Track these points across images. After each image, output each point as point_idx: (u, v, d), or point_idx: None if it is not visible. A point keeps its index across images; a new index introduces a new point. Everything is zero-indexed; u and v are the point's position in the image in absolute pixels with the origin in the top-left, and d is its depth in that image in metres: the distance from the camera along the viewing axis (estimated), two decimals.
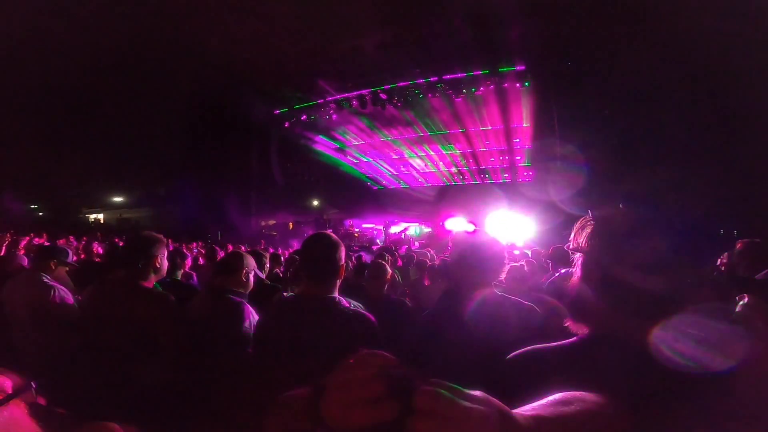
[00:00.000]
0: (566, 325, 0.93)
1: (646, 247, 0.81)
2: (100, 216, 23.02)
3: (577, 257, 0.93)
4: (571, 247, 0.94)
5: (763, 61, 7.77)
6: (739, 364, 0.71)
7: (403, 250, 9.66)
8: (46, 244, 5.05)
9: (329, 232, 1.82)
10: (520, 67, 14.45)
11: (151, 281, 2.06)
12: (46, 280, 2.77)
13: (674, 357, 0.72)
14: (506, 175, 17.99)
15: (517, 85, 14.61)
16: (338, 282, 1.67)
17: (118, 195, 22.34)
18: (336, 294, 1.66)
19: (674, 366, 0.71)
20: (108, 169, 18.25)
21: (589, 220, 0.92)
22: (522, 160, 17.25)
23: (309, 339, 1.54)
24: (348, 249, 11.86)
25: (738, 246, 3.02)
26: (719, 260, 3.36)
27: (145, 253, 2.02)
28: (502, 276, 3.26)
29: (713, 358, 0.71)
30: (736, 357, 0.72)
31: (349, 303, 1.74)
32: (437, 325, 1.74)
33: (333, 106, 17.34)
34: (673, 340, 0.74)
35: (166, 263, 2.13)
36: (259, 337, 1.77)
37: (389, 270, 3.19)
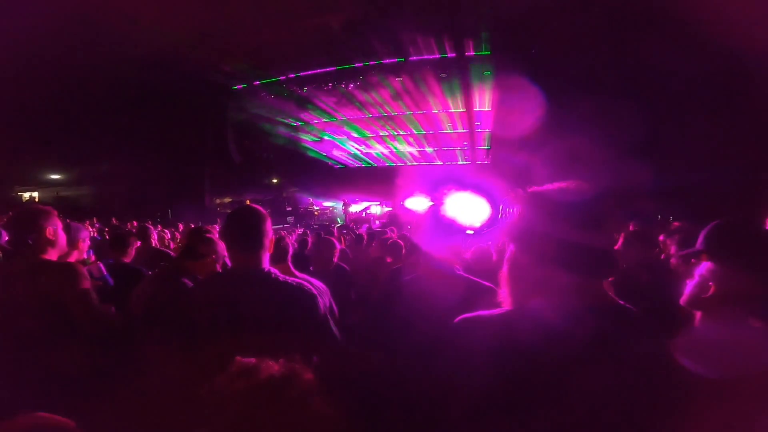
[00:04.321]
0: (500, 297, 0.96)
1: (581, 209, 0.85)
2: (35, 194, 21.21)
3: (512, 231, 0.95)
4: (507, 221, 0.97)
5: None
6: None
7: (363, 228, 9.61)
8: None
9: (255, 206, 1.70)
10: (485, 52, 14.54)
11: (53, 254, 1.86)
12: None
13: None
14: (466, 157, 18.30)
15: (480, 69, 14.74)
16: (268, 254, 1.59)
17: (55, 172, 20.61)
18: (267, 265, 1.57)
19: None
20: (44, 143, 16.67)
21: (519, 198, 0.94)
22: (482, 143, 17.59)
23: (246, 313, 1.47)
24: (307, 227, 11.72)
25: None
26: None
27: (32, 228, 1.81)
28: (467, 255, 3.31)
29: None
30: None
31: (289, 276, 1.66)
32: (391, 301, 1.74)
33: (295, 83, 16.74)
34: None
35: (62, 235, 1.92)
36: (193, 312, 1.63)
37: (338, 245, 3.26)
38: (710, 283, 1.04)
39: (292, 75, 16.47)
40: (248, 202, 17.85)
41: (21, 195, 20.83)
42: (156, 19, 11.92)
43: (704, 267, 1.07)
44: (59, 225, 1.91)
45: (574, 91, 12.12)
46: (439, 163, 19.05)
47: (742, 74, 8.94)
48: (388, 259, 4.13)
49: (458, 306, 1.51)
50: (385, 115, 17.55)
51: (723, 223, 1.10)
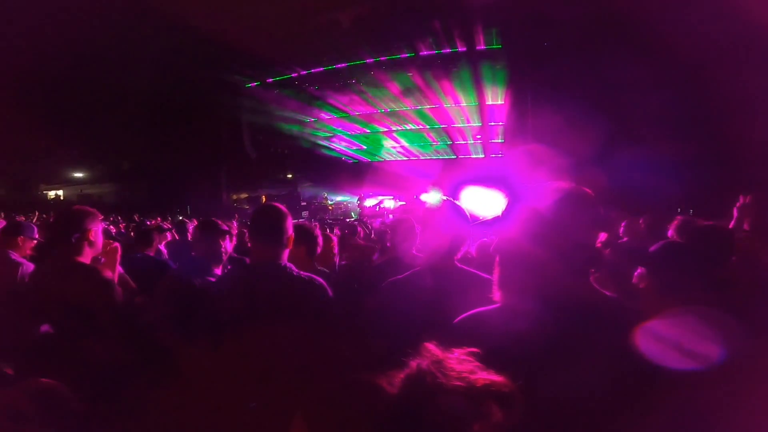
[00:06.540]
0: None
1: (557, 208, 0.87)
2: (60, 192, 21.91)
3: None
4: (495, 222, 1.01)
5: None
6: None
7: (377, 223, 9.65)
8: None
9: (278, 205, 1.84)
10: (497, 46, 14.39)
11: (87, 256, 1.98)
12: (13, 257, 2.73)
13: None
14: (480, 151, 18.17)
15: (493, 63, 14.60)
16: (286, 250, 1.72)
17: (79, 170, 21.26)
18: (284, 260, 1.70)
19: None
20: (68, 143, 17.25)
21: (507, 199, 0.98)
22: (495, 137, 17.44)
23: (263, 304, 1.58)
24: (322, 222, 11.85)
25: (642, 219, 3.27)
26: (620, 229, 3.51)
27: (78, 228, 1.92)
28: (472, 249, 3.29)
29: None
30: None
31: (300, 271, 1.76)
32: (396, 295, 1.75)
33: (308, 79, 16.85)
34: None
35: (101, 237, 2.05)
36: (217, 303, 1.75)
37: (334, 239, 3.21)
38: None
39: (305, 72, 16.58)
40: (264, 199, 18.13)
41: (46, 193, 21.55)
42: (173, 19, 12.16)
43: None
44: (101, 228, 2.04)
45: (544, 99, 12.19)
46: (453, 156, 18.96)
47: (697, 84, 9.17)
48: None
49: (458, 298, 1.55)
50: (396, 110, 17.54)
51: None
